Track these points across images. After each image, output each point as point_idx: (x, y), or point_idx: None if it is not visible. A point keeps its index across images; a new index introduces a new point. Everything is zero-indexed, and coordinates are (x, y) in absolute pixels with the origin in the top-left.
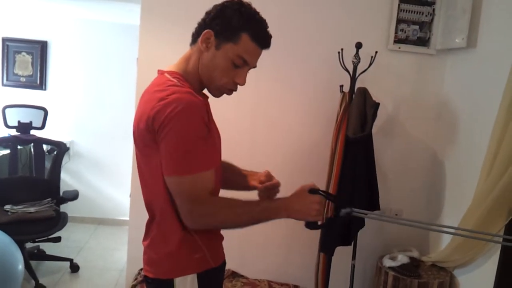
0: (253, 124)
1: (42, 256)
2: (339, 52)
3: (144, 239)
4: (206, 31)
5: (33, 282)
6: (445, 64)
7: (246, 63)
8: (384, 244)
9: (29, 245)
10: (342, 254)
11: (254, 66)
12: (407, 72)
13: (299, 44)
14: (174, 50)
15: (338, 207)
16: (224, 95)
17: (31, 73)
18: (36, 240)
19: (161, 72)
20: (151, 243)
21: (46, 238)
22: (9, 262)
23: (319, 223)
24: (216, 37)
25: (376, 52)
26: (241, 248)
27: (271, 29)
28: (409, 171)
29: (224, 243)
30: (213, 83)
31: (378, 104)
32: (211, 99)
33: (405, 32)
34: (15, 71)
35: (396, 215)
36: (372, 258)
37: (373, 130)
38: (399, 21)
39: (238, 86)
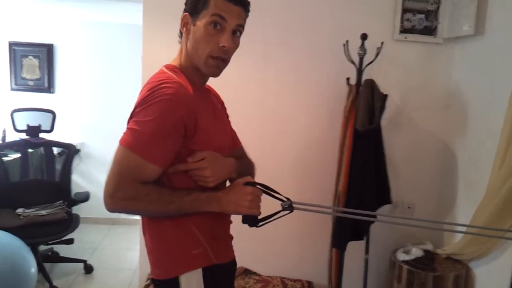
0: (259, 120)
1: (56, 258)
2: (344, 44)
3: (145, 241)
4: (182, 15)
5: (47, 284)
6: (453, 52)
7: (224, 20)
8: (397, 238)
9: (43, 247)
10: (354, 249)
11: (239, 26)
12: (415, 62)
13: (303, 37)
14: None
15: (281, 200)
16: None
17: (39, 76)
18: (49, 242)
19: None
20: (149, 244)
21: (59, 240)
22: (22, 266)
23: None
24: (191, 16)
25: (382, 43)
26: (253, 245)
27: (273, 22)
28: (420, 163)
29: (235, 240)
30: (201, 57)
31: (386, 95)
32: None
33: (411, 21)
34: (23, 75)
35: (409, 208)
36: (385, 252)
37: (382, 123)
38: (404, 10)
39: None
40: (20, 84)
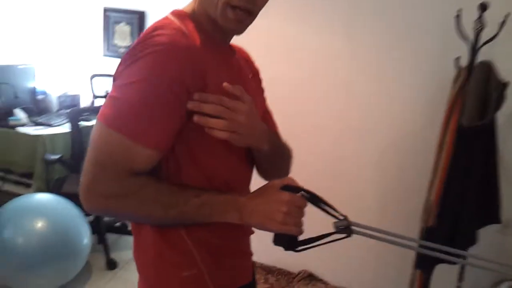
0: (346, 103)
1: (123, 230)
2: (456, 16)
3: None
4: None
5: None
6: None
7: None
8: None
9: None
10: (445, 272)
11: None
12: None
13: (403, 5)
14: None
15: (334, 217)
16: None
17: (129, 43)
18: None
19: None
20: (135, 251)
21: None
22: (74, 235)
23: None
24: None
25: (507, 15)
26: (321, 247)
27: None
28: None
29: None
30: (217, 6)
31: (507, 84)
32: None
33: None
34: (115, 42)
35: None
36: (485, 282)
37: (498, 119)
38: None
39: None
40: (111, 50)
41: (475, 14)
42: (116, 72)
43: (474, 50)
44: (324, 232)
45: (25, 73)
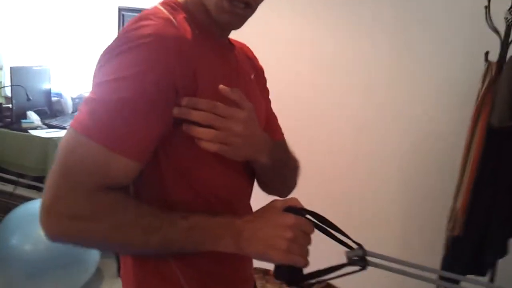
0: (364, 103)
1: None
2: (486, 6)
3: None
4: None
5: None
6: None
7: None
8: None
9: None
10: (472, 286)
11: None
12: None
13: None
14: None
15: (346, 247)
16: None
17: None
18: None
19: None
20: (121, 274)
21: None
22: None
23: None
24: None
25: None
26: (341, 253)
27: None
28: None
29: (317, 243)
30: None
31: None
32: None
33: None
34: None
35: None
36: None
37: None
38: None
39: None
40: None
41: (506, 4)
42: (94, 70)
43: (505, 43)
44: (332, 263)
45: (40, 75)
